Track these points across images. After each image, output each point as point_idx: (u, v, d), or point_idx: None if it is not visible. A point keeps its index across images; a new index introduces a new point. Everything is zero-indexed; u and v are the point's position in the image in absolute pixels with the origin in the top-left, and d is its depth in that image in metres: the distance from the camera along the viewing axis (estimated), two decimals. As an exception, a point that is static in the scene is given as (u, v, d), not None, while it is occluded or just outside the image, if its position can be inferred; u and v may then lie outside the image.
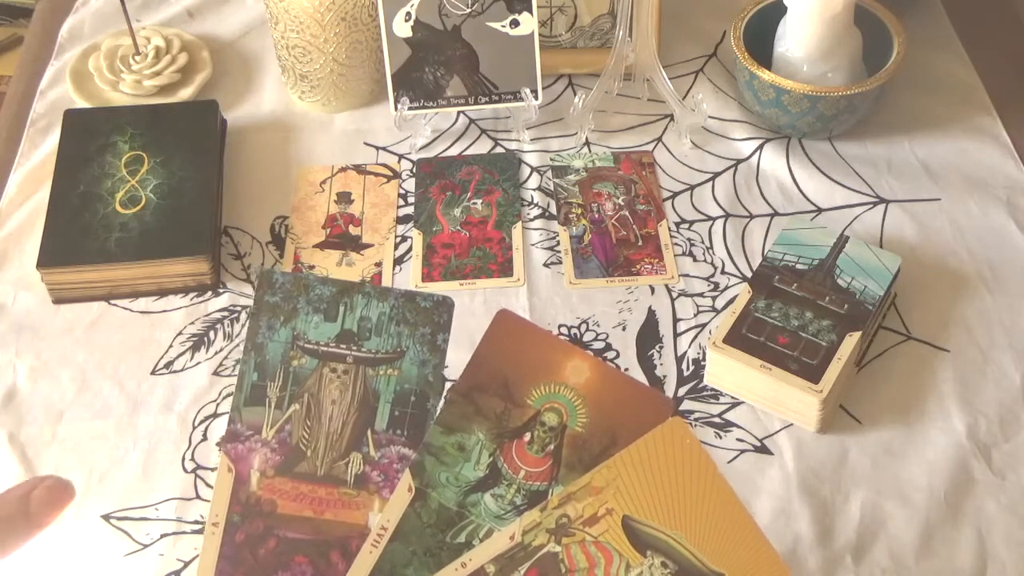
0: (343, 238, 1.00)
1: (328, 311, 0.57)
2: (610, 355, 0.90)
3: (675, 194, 1.03)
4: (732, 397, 0.88)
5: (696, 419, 0.86)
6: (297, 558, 0.55)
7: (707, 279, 0.96)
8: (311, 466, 0.56)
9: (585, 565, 0.53)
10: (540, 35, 1.03)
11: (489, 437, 0.55)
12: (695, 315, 0.93)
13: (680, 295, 0.95)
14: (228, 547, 0.55)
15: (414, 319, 0.57)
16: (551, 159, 1.06)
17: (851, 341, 0.85)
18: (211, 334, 0.93)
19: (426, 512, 0.54)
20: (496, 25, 1.03)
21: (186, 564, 0.80)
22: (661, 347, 0.91)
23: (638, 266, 0.97)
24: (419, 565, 0.54)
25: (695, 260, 0.97)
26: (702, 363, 0.90)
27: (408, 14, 1.02)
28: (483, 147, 1.08)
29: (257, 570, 0.54)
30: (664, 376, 0.89)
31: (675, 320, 0.93)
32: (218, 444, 0.85)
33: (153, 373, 0.91)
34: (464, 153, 1.07)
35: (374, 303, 0.57)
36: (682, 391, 0.88)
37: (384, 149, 1.08)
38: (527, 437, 0.55)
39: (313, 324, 0.57)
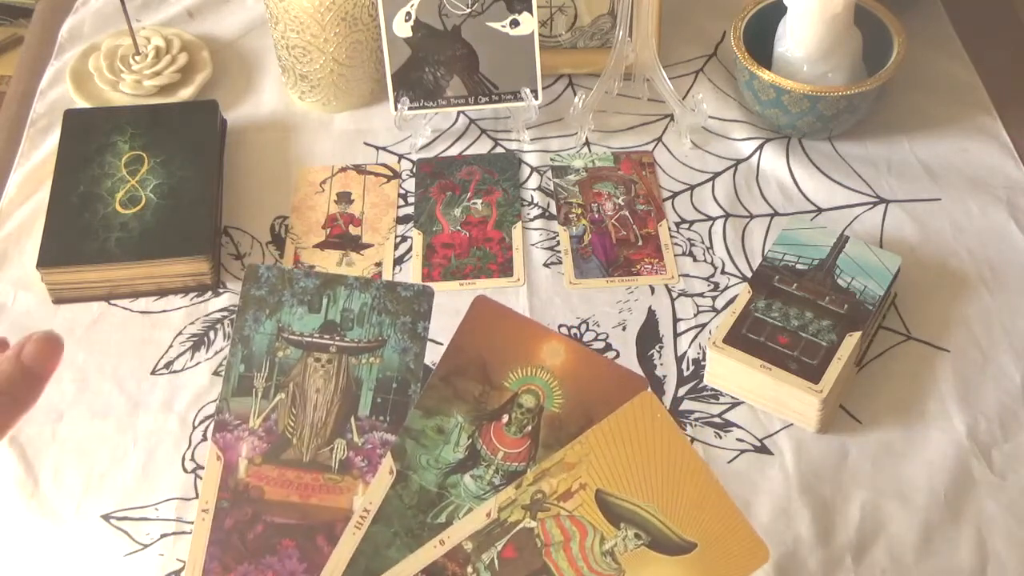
0: (343, 238, 1.00)
1: (312, 303, 0.59)
2: (610, 355, 0.90)
3: (675, 194, 1.03)
4: (732, 397, 0.88)
5: (696, 419, 0.86)
6: (284, 542, 0.56)
7: (707, 279, 0.96)
8: (297, 453, 0.57)
9: (560, 539, 0.55)
10: (540, 35, 1.03)
11: (468, 419, 0.57)
12: (695, 315, 0.93)
13: (680, 295, 0.95)
14: (217, 532, 0.57)
15: (395, 308, 0.59)
16: (551, 159, 1.06)
17: (851, 341, 0.85)
18: (211, 334, 0.93)
19: (407, 494, 0.56)
20: (496, 25, 1.03)
21: (186, 564, 0.80)
22: (661, 347, 0.91)
23: (638, 266, 0.97)
24: (401, 545, 0.55)
25: (695, 260, 0.97)
26: (702, 363, 0.90)
27: (408, 14, 1.02)
28: (483, 147, 1.08)
29: (246, 554, 0.56)
30: (664, 376, 0.89)
31: (675, 320, 0.93)
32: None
33: (153, 373, 0.91)
34: (464, 153, 1.07)
35: (356, 294, 0.59)
36: (682, 391, 0.88)
37: (384, 149, 1.08)
38: (505, 419, 0.56)
39: (298, 316, 0.59)
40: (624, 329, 0.93)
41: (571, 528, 0.54)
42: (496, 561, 0.54)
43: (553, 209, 1.02)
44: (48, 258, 0.94)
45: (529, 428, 0.56)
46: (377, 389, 0.58)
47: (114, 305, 0.96)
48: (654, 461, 0.54)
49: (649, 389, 0.55)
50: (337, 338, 0.58)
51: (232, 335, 0.59)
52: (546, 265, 0.97)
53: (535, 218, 1.01)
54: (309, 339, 0.58)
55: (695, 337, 0.92)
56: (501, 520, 0.55)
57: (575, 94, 1.08)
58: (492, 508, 0.55)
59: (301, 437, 0.57)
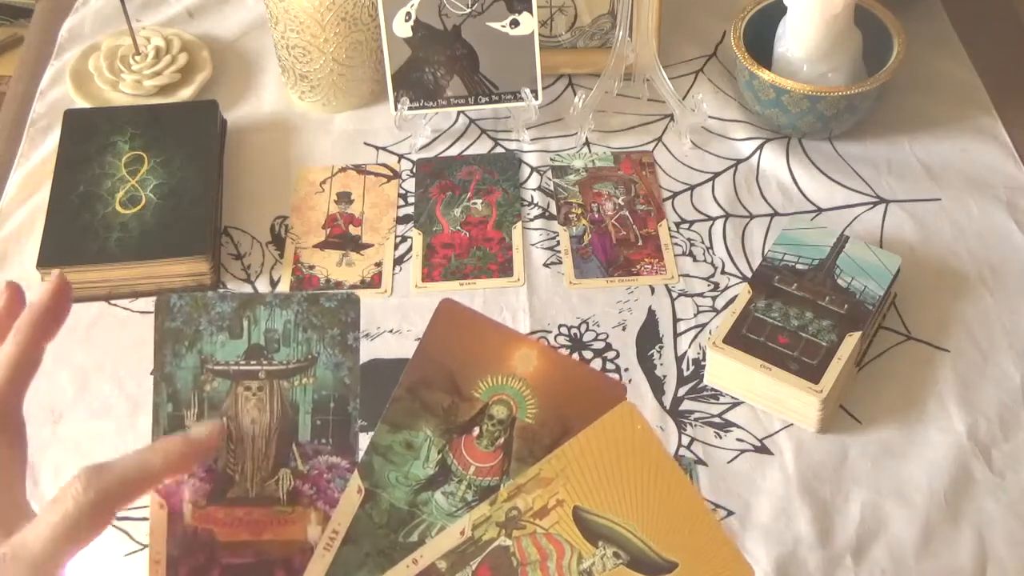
0: (343, 238, 1.00)
1: (232, 328, 0.55)
2: (610, 355, 0.91)
3: (675, 194, 1.03)
4: (732, 397, 0.88)
5: (696, 419, 0.86)
6: None
7: (707, 279, 0.96)
8: (242, 489, 0.55)
9: (537, 558, 0.52)
10: (540, 35, 1.03)
11: (437, 433, 0.54)
12: (695, 315, 0.93)
13: (680, 295, 0.95)
14: None
15: (321, 322, 0.55)
16: (551, 159, 1.06)
17: (851, 341, 0.85)
18: (211, 334, 0.93)
19: (377, 513, 0.53)
20: (496, 25, 1.03)
21: None
22: (661, 347, 0.91)
23: (638, 266, 0.97)
24: (372, 566, 0.53)
25: (695, 260, 0.97)
26: (702, 363, 0.90)
27: (408, 14, 1.02)
28: (483, 147, 1.08)
29: None
30: (664, 376, 0.89)
31: (675, 320, 0.93)
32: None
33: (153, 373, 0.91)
34: (464, 153, 1.07)
35: (277, 312, 0.55)
36: (682, 391, 0.88)
37: (384, 149, 1.08)
38: (476, 432, 0.54)
39: (219, 344, 0.55)
40: (624, 329, 0.92)
41: (548, 546, 0.52)
42: None
43: (553, 209, 1.02)
44: (48, 258, 0.94)
45: (501, 441, 0.53)
46: (315, 411, 0.55)
47: (114, 305, 0.96)
48: (634, 476, 0.52)
49: (628, 398, 0.52)
50: (265, 362, 0.55)
51: (153, 374, 0.55)
52: (546, 265, 0.97)
53: (535, 218, 1.01)
54: (235, 367, 0.55)
55: (695, 337, 0.92)
56: (475, 538, 0.52)
57: (575, 94, 1.08)
58: (466, 526, 0.52)
59: (244, 472, 0.55)
